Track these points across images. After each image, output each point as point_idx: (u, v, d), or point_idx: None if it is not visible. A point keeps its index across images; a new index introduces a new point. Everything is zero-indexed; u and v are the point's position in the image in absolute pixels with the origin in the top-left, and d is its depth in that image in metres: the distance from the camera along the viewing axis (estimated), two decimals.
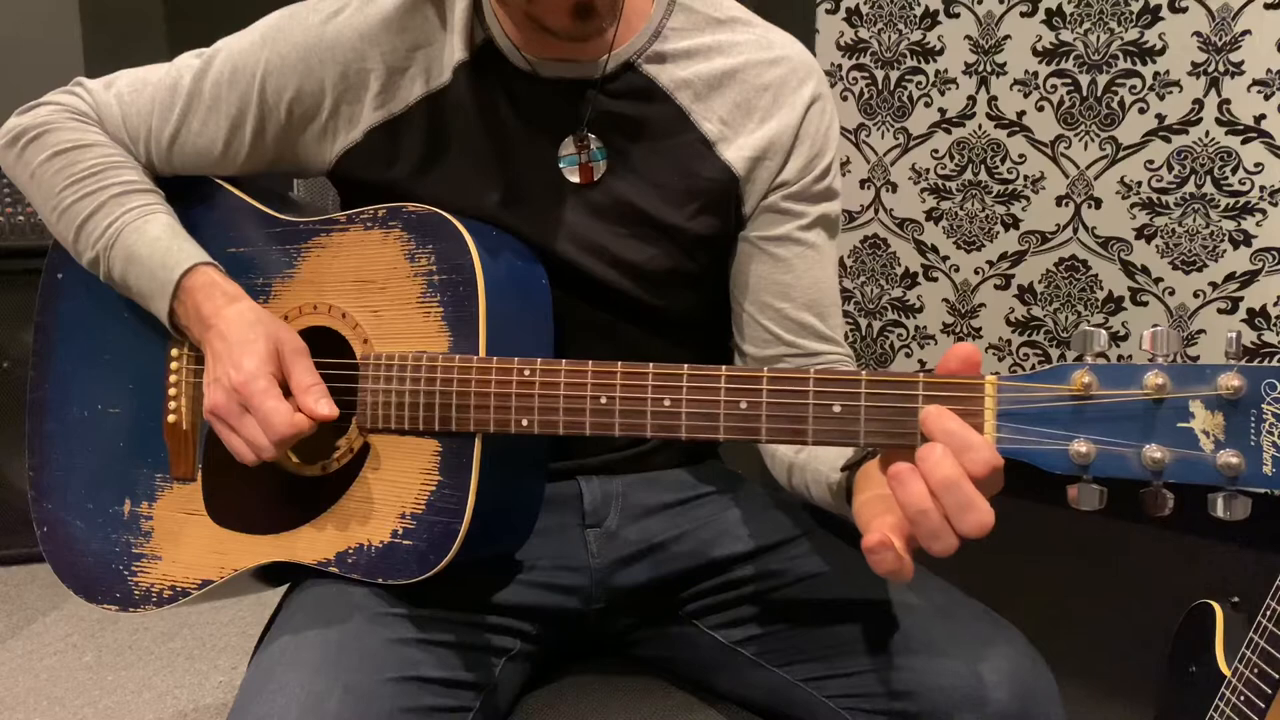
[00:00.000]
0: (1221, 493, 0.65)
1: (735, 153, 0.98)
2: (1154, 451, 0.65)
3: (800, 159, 0.99)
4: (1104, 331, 0.67)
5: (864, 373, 0.73)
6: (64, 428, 1.07)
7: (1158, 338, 0.66)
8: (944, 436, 0.68)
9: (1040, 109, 1.57)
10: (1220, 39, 1.40)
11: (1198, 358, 1.47)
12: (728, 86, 0.98)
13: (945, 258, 1.71)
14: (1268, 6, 1.37)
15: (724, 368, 0.78)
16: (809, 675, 0.94)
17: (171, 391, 1.01)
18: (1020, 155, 1.60)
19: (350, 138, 0.98)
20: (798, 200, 1.00)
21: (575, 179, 0.97)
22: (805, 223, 1.01)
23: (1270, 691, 1.15)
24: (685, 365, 0.78)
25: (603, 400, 0.81)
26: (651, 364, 0.79)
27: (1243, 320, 1.44)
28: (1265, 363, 1.41)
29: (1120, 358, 1.57)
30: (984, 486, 0.67)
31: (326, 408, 0.89)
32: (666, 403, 0.79)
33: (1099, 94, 1.52)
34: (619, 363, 0.80)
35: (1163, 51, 1.45)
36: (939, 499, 0.67)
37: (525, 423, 0.84)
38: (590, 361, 0.81)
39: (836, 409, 0.73)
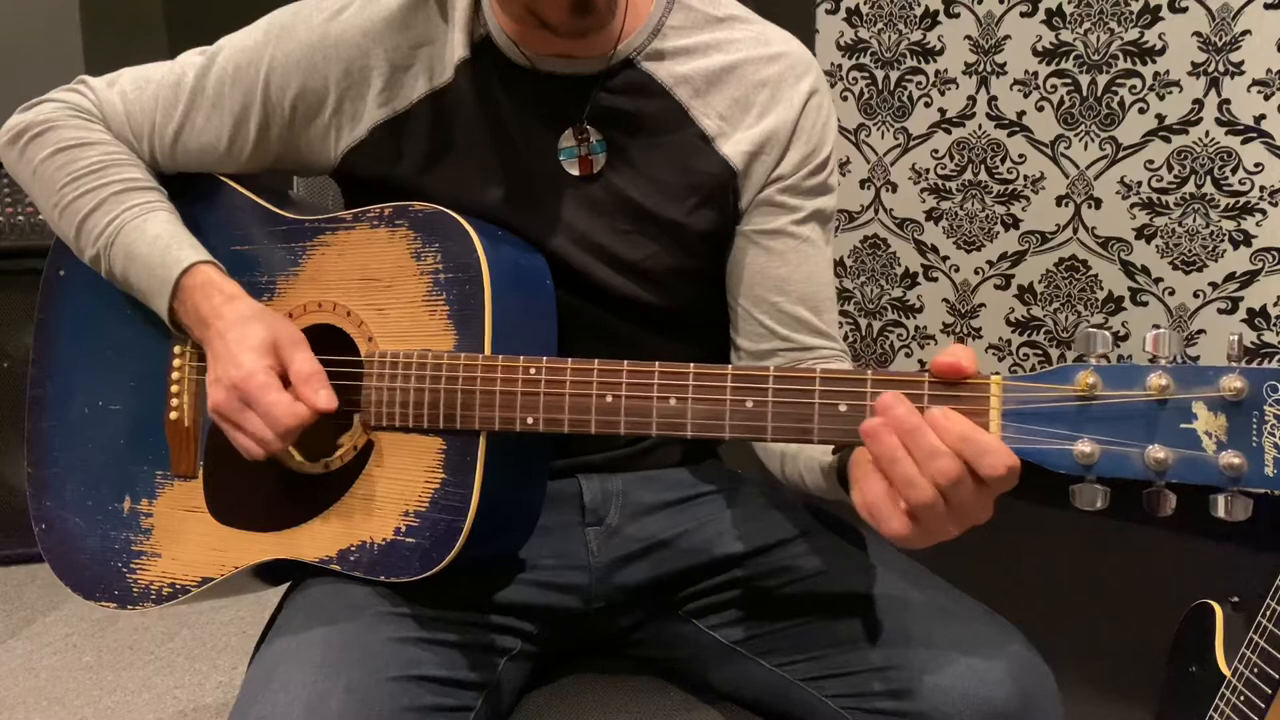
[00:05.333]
0: (1223, 493, 0.66)
1: (733, 148, 0.98)
2: (1157, 452, 0.66)
3: (797, 153, 0.99)
4: (1107, 333, 0.68)
5: (869, 372, 0.73)
6: (64, 425, 1.07)
7: (1160, 339, 0.66)
8: (959, 444, 0.68)
9: (1040, 109, 1.57)
10: (1220, 39, 1.41)
11: (1198, 358, 1.48)
12: (726, 82, 0.98)
13: (945, 258, 1.71)
14: (1268, 6, 1.37)
15: (730, 366, 0.78)
16: (808, 675, 0.94)
17: (174, 389, 1.01)
18: (1020, 155, 1.60)
19: (354, 135, 0.98)
20: (793, 194, 1.00)
21: (574, 171, 0.98)
22: (800, 217, 1.01)
23: (1270, 691, 1.15)
24: (691, 364, 0.78)
25: (608, 399, 0.81)
26: (657, 363, 0.79)
27: (1243, 320, 1.44)
28: (1265, 363, 1.41)
29: (1120, 358, 1.58)
30: (995, 485, 0.69)
31: (325, 399, 0.88)
32: (672, 402, 0.79)
33: (1099, 94, 1.52)
34: (625, 361, 0.80)
35: (1163, 51, 1.46)
36: (908, 447, 0.69)
37: (530, 421, 0.84)
38: (596, 360, 0.81)
39: (843, 408, 0.74)
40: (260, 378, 0.88)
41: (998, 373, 0.72)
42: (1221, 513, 0.66)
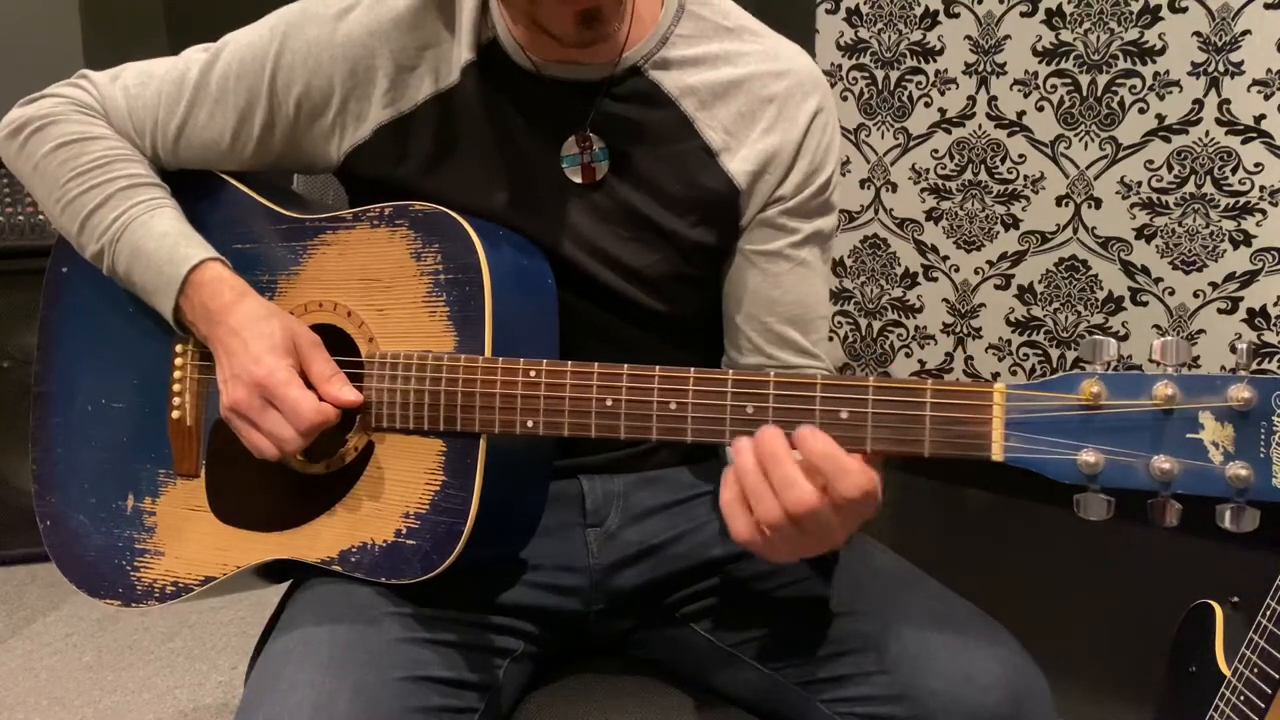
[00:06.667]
0: (1230, 504, 0.65)
1: (738, 165, 0.98)
2: (1163, 462, 0.65)
3: (799, 174, 0.99)
4: (1114, 341, 0.67)
5: (871, 379, 0.73)
6: (68, 422, 1.07)
7: (1167, 348, 0.66)
8: (821, 460, 0.71)
9: (1040, 109, 1.57)
10: (1220, 39, 1.40)
11: (1198, 358, 1.47)
12: (733, 96, 0.98)
13: (945, 258, 1.71)
14: (1268, 6, 1.37)
15: (730, 371, 0.78)
16: (802, 679, 0.94)
17: (176, 388, 1.01)
18: (1020, 155, 1.60)
19: (359, 135, 0.98)
20: (793, 216, 1.00)
21: (577, 179, 0.97)
22: (798, 239, 1.01)
23: (1270, 691, 1.15)
24: (691, 369, 0.79)
25: (608, 403, 0.81)
26: (657, 367, 0.79)
27: (1243, 320, 1.44)
28: (1265, 363, 1.41)
29: (1120, 358, 1.57)
30: (855, 507, 0.72)
31: (351, 394, 0.89)
32: (672, 406, 0.79)
33: (1099, 94, 1.52)
34: (625, 365, 0.80)
35: (1163, 51, 1.45)
36: (762, 464, 0.73)
37: (530, 424, 0.84)
38: (596, 364, 0.81)
39: (844, 415, 0.74)
40: (282, 374, 0.88)
41: (998, 374, 0.72)
42: (1228, 524, 0.65)
